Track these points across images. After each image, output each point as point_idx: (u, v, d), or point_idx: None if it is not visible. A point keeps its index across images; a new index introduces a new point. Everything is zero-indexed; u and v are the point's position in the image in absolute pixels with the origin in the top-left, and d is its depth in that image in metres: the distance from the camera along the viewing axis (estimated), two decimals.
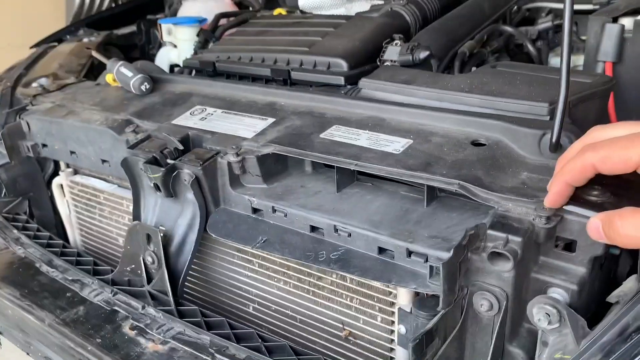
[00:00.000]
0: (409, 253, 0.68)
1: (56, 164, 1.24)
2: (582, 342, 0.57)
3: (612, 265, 0.72)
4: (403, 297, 0.74)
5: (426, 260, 0.67)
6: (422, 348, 0.62)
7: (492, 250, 0.61)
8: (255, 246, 0.78)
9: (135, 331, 0.94)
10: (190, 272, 0.97)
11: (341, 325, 0.83)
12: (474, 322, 0.66)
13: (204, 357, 0.79)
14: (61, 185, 1.21)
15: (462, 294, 0.65)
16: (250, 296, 0.93)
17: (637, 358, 0.50)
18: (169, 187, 0.87)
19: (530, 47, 1.21)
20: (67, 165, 1.20)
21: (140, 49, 1.78)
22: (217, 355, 0.77)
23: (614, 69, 1.02)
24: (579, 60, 1.16)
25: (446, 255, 0.61)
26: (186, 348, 0.82)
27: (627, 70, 1.04)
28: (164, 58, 1.52)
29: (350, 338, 0.83)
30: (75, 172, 1.19)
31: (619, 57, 1.02)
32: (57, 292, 1.04)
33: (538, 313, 0.61)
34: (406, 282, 0.68)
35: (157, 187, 0.88)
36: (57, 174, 1.22)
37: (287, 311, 0.89)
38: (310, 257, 0.74)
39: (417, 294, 0.74)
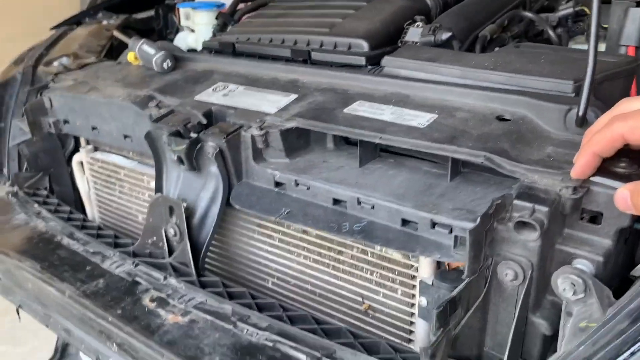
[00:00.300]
0: (433, 224, 0.69)
1: (76, 140, 1.25)
2: (608, 310, 0.57)
3: (636, 240, 0.72)
4: (424, 270, 0.74)
5: (450, 231, 0.67)
6: (445, 316, 0.62)
7: (518, 219, 0.62)
8: (278, 217, 0.79)
9: (155, 303, 0.95)
10: (211, 247, 0.98)
11: (361, 299, 0.84)
12: (498, 292, 0.67)
13: (226, 325, 0.80)
14: (81, 162, 1.22)
15: (487, 263, 0.65)
16: (270, 271, 0.94)
17: None
18: (193, 160, 0.88)
19: (551, 33, 1.20)
20: (88, 142, 1.21)
21: (157, 33, 1.79)
22: (239, 324, 0.78)
23: (636, 54, 1.02)
24: (600, 47, 1.16)
25: (471, 225, 0.62)
26: (207, 317, 0.83)
27: None
28: (182, 42, 1.52)
29: (369, 312, 0.83)
30: (96, 149, 1.21)
31: None
32: (78, 265, 1.06)
33: (563, 283, 0.61)
34: (430, 252, 0.68)
35: (180, 160, 0.89)
36: (78, 151, 1.24)
37: (306, 285, 0.90)
38: (333, 228, 0.75)
39: (438, 267, 0.74)
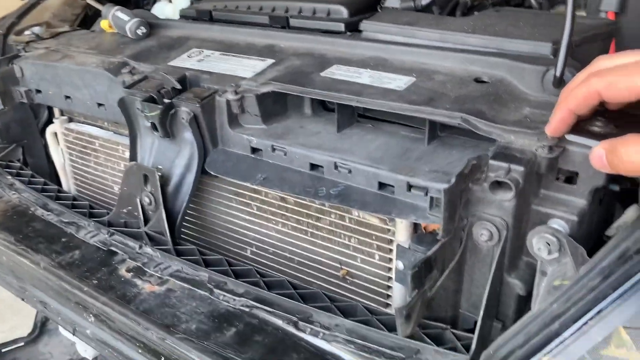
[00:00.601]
0: (409, 187, 0.68)
1: (50, 112, 1.22)
2: (581, 268, 0.57)
3: (611, 201, 0.72)
4: (401, 234, 0.74)
5: (426, 193, 0.67)
6: (420, 277, 0.62)
7: (493, 179, 0.61)
8: (255, 183, 0.77)
9: (131, 273, 0.94)
10: (187, 217, 0.97)
11: (339, 265, 0.83)
12: (473, 254, 0.67)
13: (202, 292, 0.79)
14: (55, 133, 1.19)
15: (462, 224, 0.65)
16: (249, 240, 0.93)
17: (637, 276, 0.50)
18: (166, 126, 0.86)
19: (532, 1, 1.19)
20: (62, 113, 1.18)
21: (134, 5, 1.74)
22: (215, 290, 0.77)
23: (616, 18, 1.01)
24: (580, 14, 1.15)
25: (446, 186, 0.61)
26: (184, 285, 0.82)
27: (630, 21, 1.02)
28: (159, 13, 1.49)
29: (347, 277, 0.83)
30: (70, 120, 1.18)
31: (622, 7, 1.01)
32: (52, 237, 1.04)
33: (538, 242, 0.61)
34: (406, 214, 0.68)
35: (154, 127, 0.87)
36: (51, 122, 1.21)
37: (284, 253, 0.89)
38: (310, 193, 0.74)
39: (415, 230, 0.74)
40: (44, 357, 1.42)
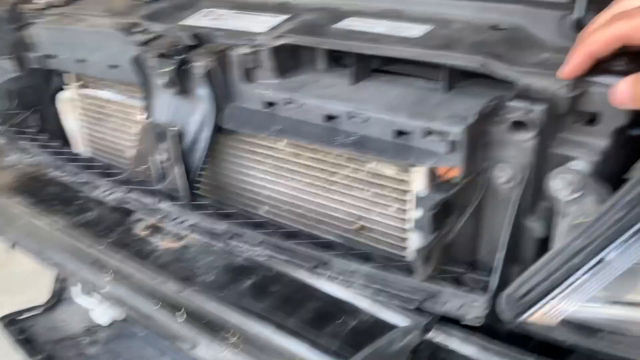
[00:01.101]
0: (427, 132, 0.67)
1: (62, 79, 1.22)
2: (604, 205, 0.56)
3: (633, 148, 0.71)
4: (417, 184, 0.73)
5: (444, 138, 0.66)
6: (440, 219, 0.62)
7: (513, 119, 0.60)
8: (270, 134, 0.77)
9: (147, 231, 0.95)
10: (202, 176, 0.97)
11: (354, 219, 0.83)
12: (492, 198, 0.66)
13: (219, 245, 0.79)
14: (69, 99, 1.20)
15: (481, 166, 0.64)
16: (263, 198, 0.93)
17: None
18: (181, 82, 0.86)
19: None
20: (75, 79, 1.18)
21: None
22: (233, 242, 0.78)
23: None
24: None
25: (467, 124, 0.60)
26: (200, 239, 0.82)
27: None
28: None
29: (362, 232, 0.83)
30: (84, 86, 1.18)
31: None
32: (69, 199, 1.05)
33: (558, 183, 0.60)
34: (424, 160, 0.67)
35: (168, 84, 0.87)
36: (62, 89, 1.21)
37: (299, 210, 0.89)
38: (325, 141, 0.74)
39: (432, 179, 0.73)
40: (60, 325, 1.44)
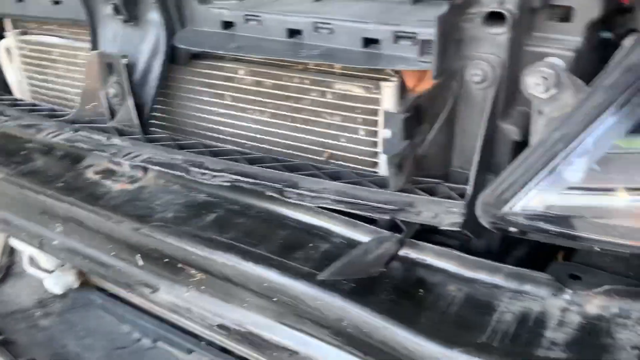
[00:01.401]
0: (397, 37, 0.64)
1: (1, 27, 1.13)
2: (583, 92, 0.54)
3: (604, 52, 0.69)
4: (387, 101, 0.70)
5: (415, 41, 0.63)
6: (411, 124, 0.58)
7: (487, 11, 0.57)
8: (228, 50, 0.72)
9: (99, 175, 0.88)
10: (156, 112, 0.90)
11: (323, 149, 0.79)
12: (466, 102, 0.63)
13: (178, 173, 0.74)
14: (8, 49, 1.11)
15: (454, 66, 0.61)
16: (224, 136, 0.88)
17: None
18: (129, 9, 0.79)
19: None
20: (15, 27, 1.09)
21: None
22: (192, 169, 0.72)
23: None
24: None
25: (440, 15, 0.57)
26: (157, 176, 0.77)
27: None
28: None
29: (331, 160, 0.79)
30: (24, 33, 1.09)
31: None
32: (12, 150, 0.98)
33: (534, 79, 0.58)
34: (394, 64, 0.64)
35: (116, 10, 0.80)
36: (3, 37, 1.12)
37: (264, 145, 0.84)
38: (289, 54, 0.69)
39: (402, 96, 0.70)
40: (9, 299, 1.35)
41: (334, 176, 0.67)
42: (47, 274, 1.26)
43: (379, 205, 0.61)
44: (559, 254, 0.72)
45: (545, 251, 0.72)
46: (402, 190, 0.62)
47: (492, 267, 0.61)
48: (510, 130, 0.62)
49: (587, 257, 0.65)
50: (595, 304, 0.56)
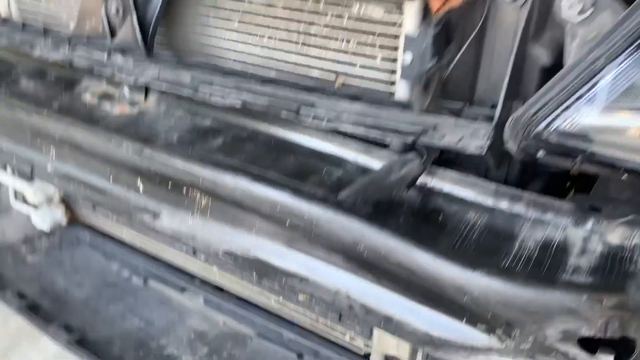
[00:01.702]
0: None
1: None
2: (622, 15, 0.52)
3: None
4: (409, 24, 0.66)
5: None
6: (441, 41, 0.56)
7: None
8: None
9: (97, 99, 0.84)
10: (159, 35, 0.85)
11: (335, 75, 0.75)
12: (496, 22, 0.60)
13: (185, 92, 0.70)
14: None
15: None
16: (232, 60, 0.83)
17: None
18: None
19: None
20: None
21: None
22: (201, 89, 0.69)
23: None
24: None
25: None
26: (164, 87, 0.72)
27: None
28: None
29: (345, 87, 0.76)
30: None
31: None
32: (1, 70, 0.92)
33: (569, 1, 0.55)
34: None
35: None
36: None
37: (273, 72, 0.80)
38: None
39: (424, 17, 0.66)
40: None
41: (354, 97, 0.64)
42: (34, 208, 1.23)
43: (402, 128, 0.59)
44: (572, 191, 0.71)
45: (560, 187, 0.71)
46: (426, 112, 0.59)
47: (513, 194, 0.59)
48: (541, 54, 0.60)
49: (605, 192, 0.64)
50: (617, 233, 0.55)
